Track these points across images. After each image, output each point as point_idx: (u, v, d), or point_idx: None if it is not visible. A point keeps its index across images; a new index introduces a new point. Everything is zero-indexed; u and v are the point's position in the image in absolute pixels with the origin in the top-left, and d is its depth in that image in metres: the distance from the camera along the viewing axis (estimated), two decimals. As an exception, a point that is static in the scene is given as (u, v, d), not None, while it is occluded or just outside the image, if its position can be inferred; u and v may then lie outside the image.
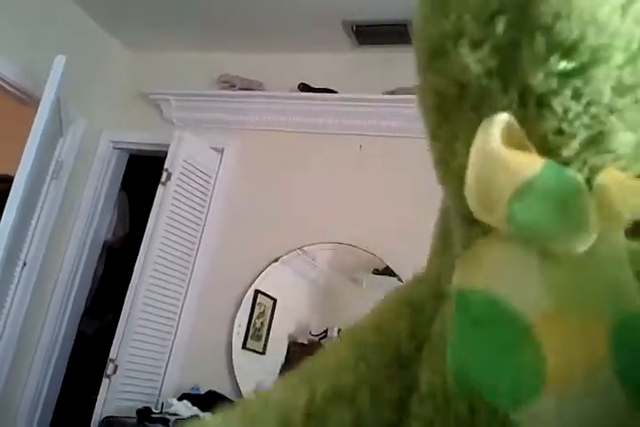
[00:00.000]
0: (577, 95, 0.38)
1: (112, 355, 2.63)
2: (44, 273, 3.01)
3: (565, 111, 0.39)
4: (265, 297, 2.93)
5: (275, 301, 2.96)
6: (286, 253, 2.89)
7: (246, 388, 2.71)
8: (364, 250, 2.76)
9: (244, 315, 2.89)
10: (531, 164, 0.38)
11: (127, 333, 2.66)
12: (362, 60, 3.05)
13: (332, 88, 2.98)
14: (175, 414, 2.44)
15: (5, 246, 2.22)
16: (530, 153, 0.39)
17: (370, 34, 2.91)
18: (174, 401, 2.53)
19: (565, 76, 0.38)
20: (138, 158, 3.48)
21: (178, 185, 2.86)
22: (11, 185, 2.31)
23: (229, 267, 2.95)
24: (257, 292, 2.91)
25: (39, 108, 2.38)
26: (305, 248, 2.88)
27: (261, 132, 3.10)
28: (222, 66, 3.19)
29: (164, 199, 2.80)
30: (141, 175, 3.54)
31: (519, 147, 0.39)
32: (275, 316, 2.96)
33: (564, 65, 0.38)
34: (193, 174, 2.96)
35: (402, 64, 3.28)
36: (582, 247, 0.38)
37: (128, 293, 2.71)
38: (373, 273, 2.78)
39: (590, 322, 0.39)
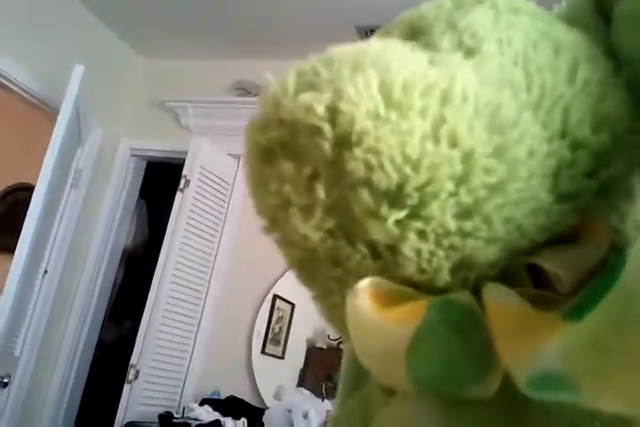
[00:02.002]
0: (423, 235, 0.35)
1: (133, 361, 2.66)
2: (65, 281, 3.04)
3: (419, 253, 0.36)
4: (283, 302, 2.94)
5: (293, 305, 2.97)
6: (304, 258, 2.89)
7: (266, 393, 2.72)
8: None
9: (262, 320, 2.90)
10: (410, 315, 0.34)
11: (148, 338, 2.68)
12: (376, 65, 3.06)
13: (346, 93, 2.99)
14: (196, 419, 2.45)
15: (27, 254, 2.25)
16: (406, 299, 0.36)
17: (383, 38, 2.92)
18: (195, 406, 2.54)
19: (403, 222, 0.35)
20: (155, 165, 3.51)
21: (196, 192, 2.88)
22: (31, 194, 2.34)
23: (247, 272, 2.97)
24: (275, 297, 2.92)
25: (58, 117, 2.41)
26: (322, 253, 2.88)
27: (277, 137, 3.11)
28: (238, 73, 3.22)
29: (183, 206, 2.83)
30: (159, 182, 3.58)
31: (392, 297, 0.36)
32: (293, 320, 2.96)
33: (396, 214, 0.35)
34: (210, 181, 2.98)
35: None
36: (493, 388, 0.33)
37: (148, 299, 2.74)
38: (391, 277, 2.78)
39: None
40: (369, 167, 0.34)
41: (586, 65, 0.38)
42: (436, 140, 0.34)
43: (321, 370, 2.80)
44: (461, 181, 0.34)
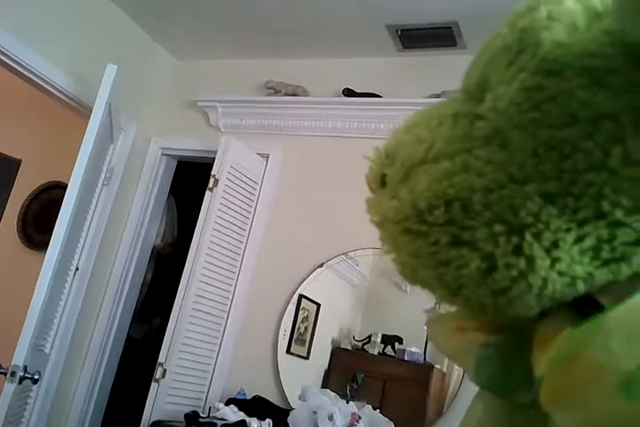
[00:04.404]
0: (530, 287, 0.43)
1: (161, 359, 2.67)
2: (96, 278, 3.08)
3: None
4: (309, 302, 2.94)
5: (318, 305, 2.96)
6: (331, 259, 2.88)
7: (291, 393, 2.71)
8: (410, 255, 2.73)
9: (288, 320, 2.90)
10: (473, 344, 0.46)
11: (176, 337, 2.70)
12: (406, 64, 3.03)
13: (376, 92, 2.97)
14: (222, 419, 2.45)
15: (59, 252, 2.28)
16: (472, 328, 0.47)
17: (414, 37, 2.89)
18: (221, 406, 2.55)
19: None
20: (185, 164, 3.54)
21: (224, 191, 2.89)
22: (64, 192, 2.37)
23: (275, 272, 2.97)
24: (301, 296, 2.91)
25: (91, 115, 2.43)
26: (349, 253, 2.87)
27: (306, 137, 3.11)
28: (267, 72, 3.22)
29: (212, 205, 2.84)
30: (189, 181, 3.60)
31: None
32: (318, 321, 2.95)
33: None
34: (239, 180, 2.99)
35: (447, 67, 3.25)
36: (533, 395, 0.40)
37: (177, 298, 2.75)
38: (418, 279, 2.75)
39: None
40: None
41: None
42: None
43: (346, 371, 2.79)
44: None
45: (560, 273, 0.38)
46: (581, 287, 0.39)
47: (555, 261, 0.38)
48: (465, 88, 0.45)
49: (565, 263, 0.38)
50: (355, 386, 2.68)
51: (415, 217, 0.42)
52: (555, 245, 0.38)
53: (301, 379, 2.78)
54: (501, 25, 0.44)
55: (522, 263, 0.38)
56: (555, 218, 0.38)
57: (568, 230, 0.38)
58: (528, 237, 0.38)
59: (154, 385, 2.64)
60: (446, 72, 2.96)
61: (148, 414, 2.58)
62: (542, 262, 0.38)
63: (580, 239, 0.38)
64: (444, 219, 0.40)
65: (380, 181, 0.48)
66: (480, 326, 0.45)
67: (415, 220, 0.42)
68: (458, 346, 0.47)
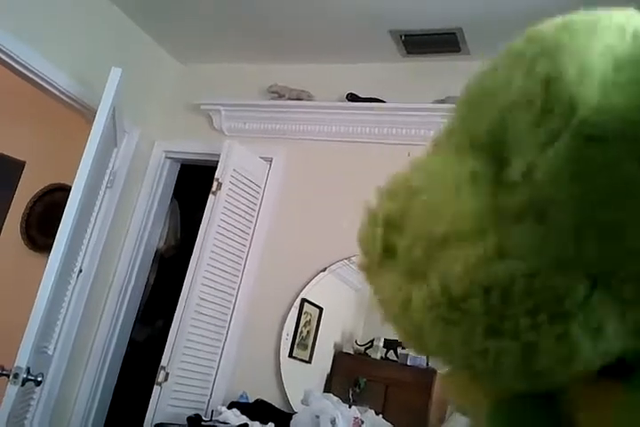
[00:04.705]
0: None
1: (163, 362, 2.67)
2: (99, 280, 3.09)
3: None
4: (311, 306, 2.94)
5: (321, 309, 2.96)
6: (333, 263, 2.89)
7: (294, 397, 2.71)
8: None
9: (291, 324, 2.90)
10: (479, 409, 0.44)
11: (178, 341, 2.70)
12: (410, 70, 3.04)
13: (380, 98, 2.98)
14: (225, 423, 2.45)
15: (62, 254, 2.29)
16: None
17: (418, 43, 2.90)
18: (224, 409, 2.55)
19: None
20: (189, 167, 3.55)
21: (228, 194, 2.90)
22: (68, 194, 2.37)
23: (277, 276, 2.97)
24: (303, 300, 2.92)
25: (96, 118, 2.44)
26: (352, 258, 2.87)
27: (309, 141, 3.11)
28: (271, 76, 3.23)
29: (215, 208, 2.84)
30: (193, 184, 3.61)
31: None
32: (321, 325, 2.95)
33: None
34: (242, 184, 2.99)
35: (451, 73, 3.25)
36: None
37: (179, 301, 2.75)
38: (421, 283, 2.75)
39: None
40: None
41: None
42: None
43: (348, 376, 2.79)
44: None
45: (605, 353, 0.36)
46: (616, 355, 0.37)
47: (599, 342, 0.36)
48: (470, 135, 0.40)
49: (609, 344, 0.36)
50: (357, 390, 2.68)
51: (447, 305, 0.38)
52: (599, 329, 0.35)
53: (304, 383, 2.78)
54: (511, 61, 0.39)
55: (566, 350, 0.36)
56: (601, 303, 0.35)
57: (613, 313, 0.35)
58: (573, 324, 0.35)
59: (156, 388, 2.64)
60: (450, 78, 2.97)
61: (151, 417, 2.59)
62: (586, 346, 0.36)
63: (624, 320, 0.36)
64: (482, 309, 0.37)
65: (385, 251, 0.43)
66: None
67: (447, 308, 0.38)
68: (466, 403, 0.45)
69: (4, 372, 2.16)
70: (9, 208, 3.81)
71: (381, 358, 2.76)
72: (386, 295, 0.44)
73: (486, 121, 0.39)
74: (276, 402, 2.73)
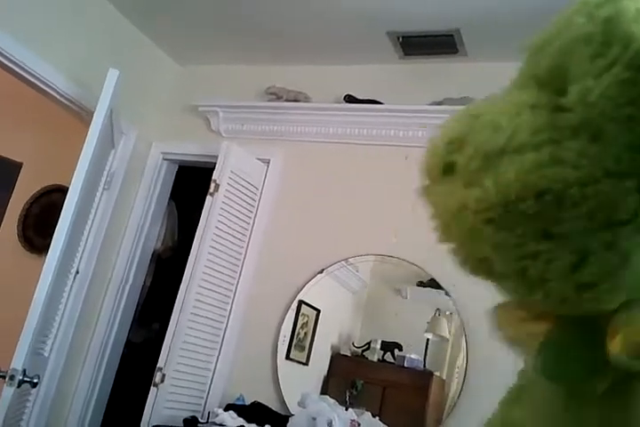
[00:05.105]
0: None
1: (160, 364, 2.67)
2: (96, 281, 3.08)
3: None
4: (308, 308, 2.93)
5: (318, 311, 2.96)
6: (331, 265, 2.88)
7: (291, 399, 2.71)
8: (409, 262, 2.74)
9: (288, 325, 2.89)
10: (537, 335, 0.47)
11: (175, 342, 2.70)
12: (408, 71, 3.04)
13: (377, 99, 2.98)
14: (221, 425, 2.45)
15: (59, 255, 2.28)
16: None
17: (415, 44, 2.90)
18: (220, 411, 2.54)
19: None
20: (186, 169, 3.54)
21: (225, 196, 2.89)
22: (65, 195, 2.37)
23: (275, 278, 2.97)
24: (301, 302, 2.91)
25: (93, 119, 2.43)
26: (350, 260, 2.87)
27: (307, 143, 3.11)
28: (269, 78, 3.23)
29: (212, 210, 2.84)
30: (190, 186, 3.60)
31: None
32: (318, 327, 2.95)
33: None
34: (240, 185, 2.99)
35: (448, 74, 3.25)
36: (604, 385, 0.42)
37: (176, 302, 2.75)
38: (418, 285, 2.75)
39: None
40: None
41: None
42: None
43: (345, 378, 2.78)
44: None
45: None
46: None
47: None
48: (532, 75, 0.44)
49: None
50: (354, 393, 2.67)
51: (502, 207, 0.40)
52: None
53: (301, 385, 2.78)
54: (573, 10, 0.42)
55: (615, 259, 0.37)
56: None
57: None
58: (625, 232, 0.37)
59: (153, 390, 2.63)
60: (447, 79, 2.98)
61: (147, 419, 2.58)
62: (637, 259, 0.37)
63: None
64: (533, 210, 0.39)
65: (445, 169, 0.46)
66: (539, 316, 0.45)
67: (502, 210, 0.40)
68: (521, 335, 0.48)
69: (0, 373, 2.15)
70: (6, 209, 3.80)
71: (378, 360, 2.76)
72: (441, 206, 0.46)
73: (547, 60, 0.43)
74: (272, 404, 2.72)
